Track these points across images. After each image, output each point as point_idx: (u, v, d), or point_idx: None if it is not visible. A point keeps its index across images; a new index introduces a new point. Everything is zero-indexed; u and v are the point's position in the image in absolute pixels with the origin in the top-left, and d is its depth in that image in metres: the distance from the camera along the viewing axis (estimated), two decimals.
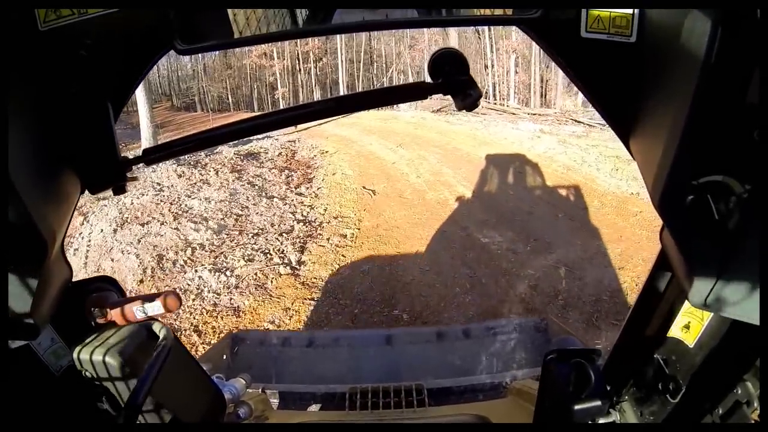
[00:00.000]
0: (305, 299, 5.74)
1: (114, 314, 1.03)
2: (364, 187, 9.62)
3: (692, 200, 0.70)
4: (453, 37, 22.51)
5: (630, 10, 0.80)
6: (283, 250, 7.04)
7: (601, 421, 1.15)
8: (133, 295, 1.08)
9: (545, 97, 23.17)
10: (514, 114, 18.34)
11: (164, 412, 1.12)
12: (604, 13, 0.81)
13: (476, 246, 7.07)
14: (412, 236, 7.47)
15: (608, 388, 1.15)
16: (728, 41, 0.63)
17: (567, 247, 7.11)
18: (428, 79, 0.95)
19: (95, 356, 1.01)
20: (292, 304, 5.63)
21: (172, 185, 9.54)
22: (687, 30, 0.69)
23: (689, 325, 1.00)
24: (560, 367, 1.17)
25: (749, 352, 0.92)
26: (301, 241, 7.38)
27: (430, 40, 26.06)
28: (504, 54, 23.78)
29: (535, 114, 18.16)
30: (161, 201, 8.74)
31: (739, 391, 0.96)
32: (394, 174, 10.53)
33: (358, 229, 7.83)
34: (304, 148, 13.04)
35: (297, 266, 6.58)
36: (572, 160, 11.86)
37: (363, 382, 2.09)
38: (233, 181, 10.07)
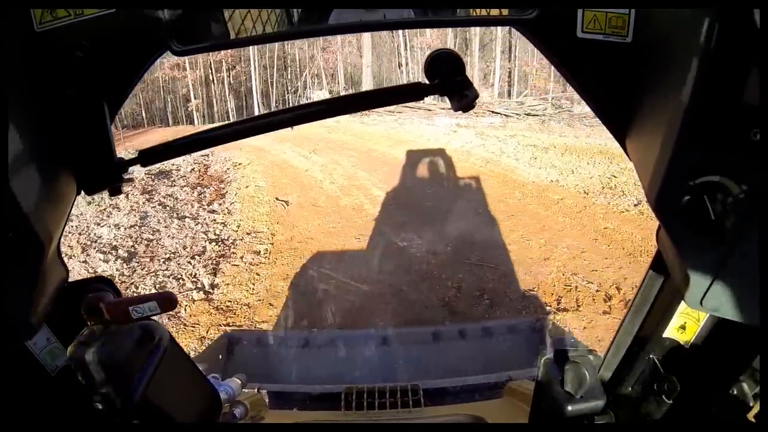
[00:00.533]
0: (220, 325, 5.55)
1: (110, 314, 1.03)
2: (277, 199, 9.35)
3: (688, 201, 0.70)
4: (366, 36, 22.23)
5: (626, 10, 0.80)
6: (196, 274, 6.75)
7: (597, 421, 1.15)
8: (130, 295, 1.07)
9: None
10: (429, 110, 18.27)
11: (160, 412, 1.12)
12: (600, 13, 0.81)
13: (394, 251, 6.92)
14: (327, 247, 7.29)
15: (603, 389, 1.15)
16: (725, 41, 0.63)
17: (489, 242, 7.07)
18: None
19: (91, 356, 1.01)
20: (207, 332, 5.43)
21: (81, 213, 9.11)
22: (684, 30, 0.69)
23: (685, 326, 1.00)
24: (556, 367, 1.17)
25: (745, 353, 0.93)
26: (214, 262, 7.11)
27: (342, 42, 25.94)
28: (418, 51, 23.75)
29: (451, 108, 17.82)
30: (68, 232, 8.32)
31: (736, 392, 0.96)
32: (307, 182, 10.33)
33: (272, 244, 7.58)
34: (217, 162, 12.71)
35: (210, 290, 6.34)
36: (490, 152, 12.09)
37: (359, 382, 2.09)
38: (144, 203, 9.67)
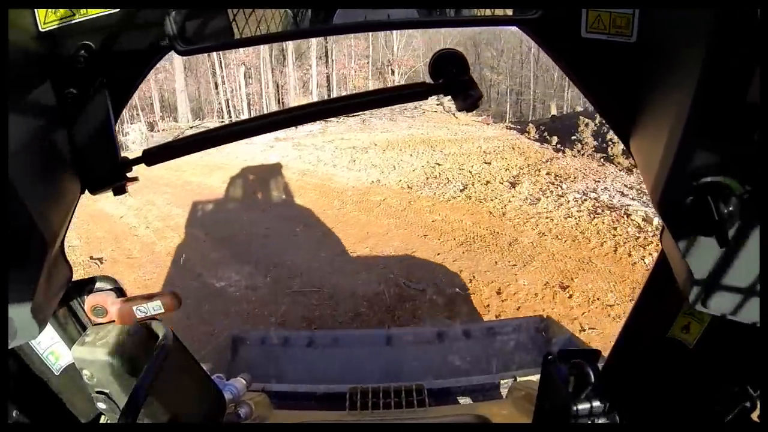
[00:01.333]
0: None
1: (114, 313, 1.03)
2: (91, 257, 8.33)
3: (692, 201, 0.69)
4: (177, 60, 20.88)
5: (630, 10, 0.80)
6: None
7: (601, 421, 1.15)
8: (134, 294, 1.08)
9: (282, 102, 22.48)
10: None
11: (164, 411, 1.12)
12: (605, 13, 0.81)
13: (212, 294, 6.38)
14: None
15: (607, 389, 1.15)
16: (728, 41, 0.63)
17: (311, 264, 6.69)
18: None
19: (95, 355, 1.01)
20: None
21: None
22: (687, 30, 0.69)
23: (689, 326, 1.00)
24: (560, 367, 1.17)
25: (749, 353, 0.92)
26: None
27: (156, 69, 24.24)
28: (234, 68, 22.51)
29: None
30: None
31: (739, 392, 0.96)
32: (122, 231, 9.34)
33: None
34: None
35: None
36: (307, 162, 11.73)
37: (363, 382, 2.09)
38: None
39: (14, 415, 0.97)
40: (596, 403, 1.11)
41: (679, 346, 1.02)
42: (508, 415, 1.84)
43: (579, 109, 14.35)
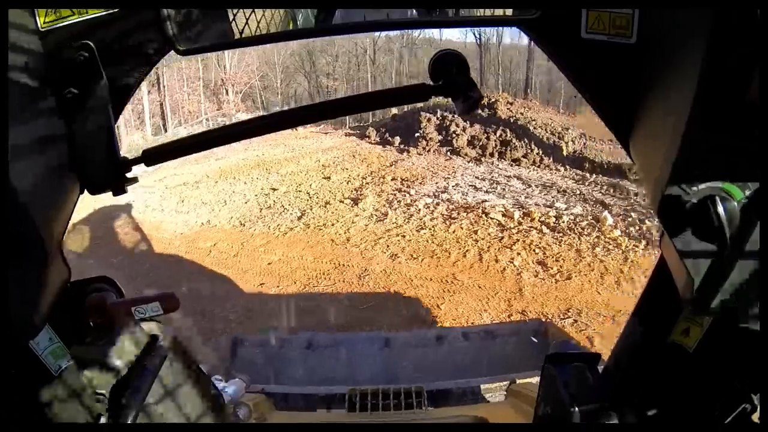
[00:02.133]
0: None
1: (113, 314, 1.03)
2: None
3: (692, 206, 0.69)
4: None
5: (630, 10, 0.80)
6: None
7: (601, 424, 1.14)
8: (132, 296, 1.07)
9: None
10: None
11: (163, 412, 1.12)
12: (605, 13, 0.81)
13: None
14: None
15: (607, 391, 1.15)
16: (728, 41, 0.62)
17: None
18: None
19: (94, 356, 1.01)
20: None
21: None
22: (687, 30, 0.69)
23: (689, 330, 0.99)
24: (560, 370, 1.17)
25: (748, 357, 0.92)
26: None
27: None
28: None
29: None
30: None
31: (739, 395, 0.95)
32: None
33: None
34: None
35: None
36: (135, 210, 10.47)
37: (363, 383, 2.09)
38: None
39: (14, 416, 0.97)
40: (595, 406, 1.11)
41: (678, 350, 1.01)
42: (507, 416, 1.84)
43: (419, 105, 13.83)
